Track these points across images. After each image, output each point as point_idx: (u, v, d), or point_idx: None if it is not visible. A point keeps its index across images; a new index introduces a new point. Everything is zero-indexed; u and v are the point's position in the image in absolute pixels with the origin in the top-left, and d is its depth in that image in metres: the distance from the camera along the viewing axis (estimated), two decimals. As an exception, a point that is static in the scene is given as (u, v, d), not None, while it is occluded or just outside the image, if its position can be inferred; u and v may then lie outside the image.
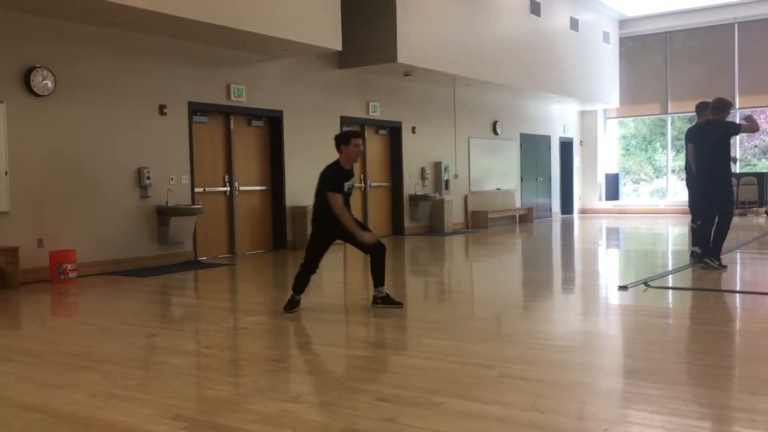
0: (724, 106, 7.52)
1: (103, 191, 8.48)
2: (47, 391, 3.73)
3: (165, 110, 9.13)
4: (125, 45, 8.66)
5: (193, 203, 9.44)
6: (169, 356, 4.49)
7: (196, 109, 9.63)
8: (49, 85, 7.90)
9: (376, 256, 5.86)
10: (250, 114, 10.48)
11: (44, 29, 7.88)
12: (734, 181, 16.80)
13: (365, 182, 12.61)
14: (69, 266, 7.73)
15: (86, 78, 8.29)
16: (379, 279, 5.91)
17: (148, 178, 8.87)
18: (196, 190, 9.67)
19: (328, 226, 5.72)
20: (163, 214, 8.97)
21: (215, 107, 9.89)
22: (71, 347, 4.75)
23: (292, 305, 5.86)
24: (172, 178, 9.22)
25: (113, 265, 8.53)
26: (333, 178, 5.68)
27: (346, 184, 5.72)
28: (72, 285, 7.58)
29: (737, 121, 7.78)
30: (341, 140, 5.76)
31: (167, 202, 9.05)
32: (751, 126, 7.60)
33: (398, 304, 5.87)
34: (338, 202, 5.59)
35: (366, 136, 12.60)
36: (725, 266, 7.58)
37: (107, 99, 8.51)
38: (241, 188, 10.43)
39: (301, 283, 5.87)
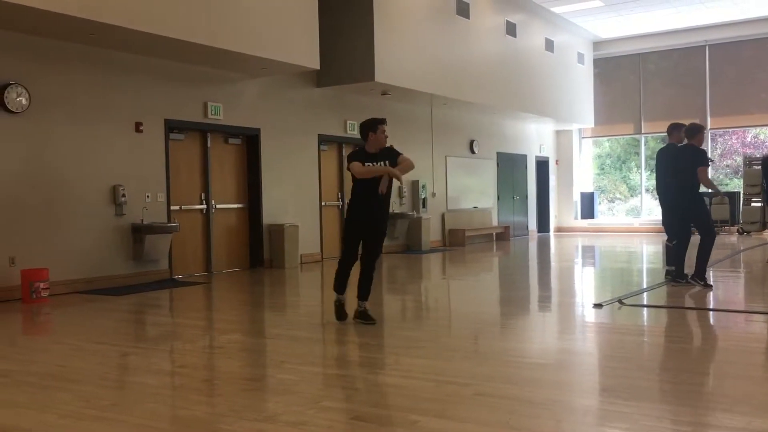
0: (694, 131, 7.69)
1: (77, 209, 8.39)
2: (17, 411, 3.66)
3: (141, 127, 9.08)
4: (101, 62, 8.62)
5: (169, 221, 9.37)
6: (142, 376, 4.44)
7: (172, 127, 9.59)
8: (24, 101, 7.83)
9: (366, 267, 5.90)
10: (227, 132, 10.46)
11: (19, 45, 7.82)
12: (706, 200, 17.08)
13: (342, 200, 12.61)
14: (41, 285, 7.62)
15: (61, 95, 8.23)
16: (364, 292, 5.94)
17: (124, 195, 8.80)
18: (172, 207, 9.61)
19: (359, 213, 5.81)
20: (139, 231, 8.89)
21: (192, 125, 9.86)
22: (42, 367, 4.67)
23: (338, 311, 5.94)
24: (147, 196, 9.16)
25: (87, 283, 8.43)
26: (354, 155, 5.84)
27: (368, 164, 5.77)
28: (44, 304, 7.47)
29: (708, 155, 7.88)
30: (368, 128, 5.88)
31: (143, 220, 8.98)
32: (707, 184, 7.64)
33: (371, 321, 5.87)
34: (356, 166, 5.73)
35: (343, 154, 12.62)
36: (711, 285, 7.61)
37: (83, 116, 8.44)
38: (218, 206, 10.39)
39: (340, 279, 5.92)
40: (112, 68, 8.73)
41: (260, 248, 10.81)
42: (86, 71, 8.47)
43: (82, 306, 7.41)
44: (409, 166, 5.86)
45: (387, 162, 5.79)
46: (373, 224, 5.87)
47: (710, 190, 7.91)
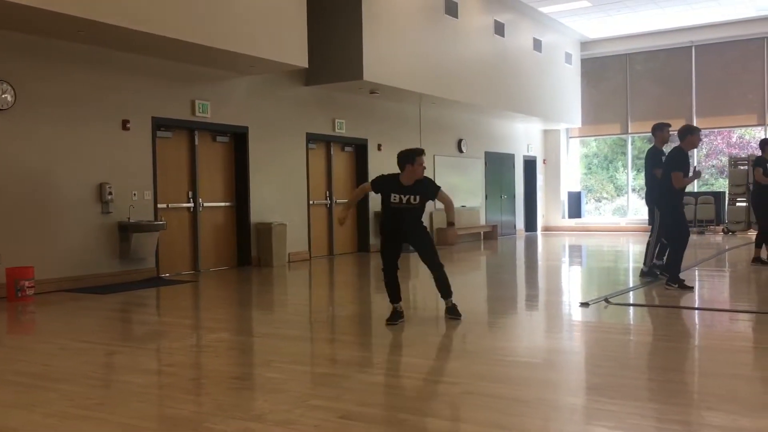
0: (683, 133, 7.58)
1: (63, 207, 8.33)
2: (2, 411, 3.63)
3: (128, 125, 9.03)
4: (88, 59, 8.56)
5: (156, 219, 9.33)
6: (129, 375, 4.42)
7: (159, 125, 9.54)
8: (9, 98, 7.76)
9: (431, 269, 5.98)
10: (214, 130, 10.42)
11: (4, 42, 7.74)
12: (692, 199, 17.21)
13: (330, 199, 12.60)
14: (27, 283, 7.56)
15: (47, 92, 8.16)
16: (443, 291, 6.02)
17: (110, 193, 8.75)
18: (160, 205, 9.56)
19: (389, 227, 5.83)
20: (125, 230, 8.84)
21: (179, 123, 9.81)
22: (28, 366, 4.64)
23: (393, 317, 5.89)
24: (134, 194, 9.11)
25: (73, 281, 8.37)
26: (380, 180, 5.86)
27: (395, 195, 5.71)
28: (30, 302, 7.41)
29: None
30: (406, 160, 5.71)
31: (129, 218, 8.93)
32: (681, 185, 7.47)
33: (457, 316, 5.97)
34: (358, 189, 6.01)
35: (332, 152, 12.62)
36: (690, 287, 7.50)
37: (69, 113, 8.38)
38: (206, 204, 10.35)
39: (390, 288, 5.90)
40: (99, 65, 8.68)
41: (248, 247, 10.78)
42: (73, 68, 8.41)
43: (67, 304, 7.35)
44: (451, 206, 5.88)
45: (418, 197, 5.73)
46: (404, 230, 5.84)
47: (693, 179, 7.54)
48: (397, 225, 5.79)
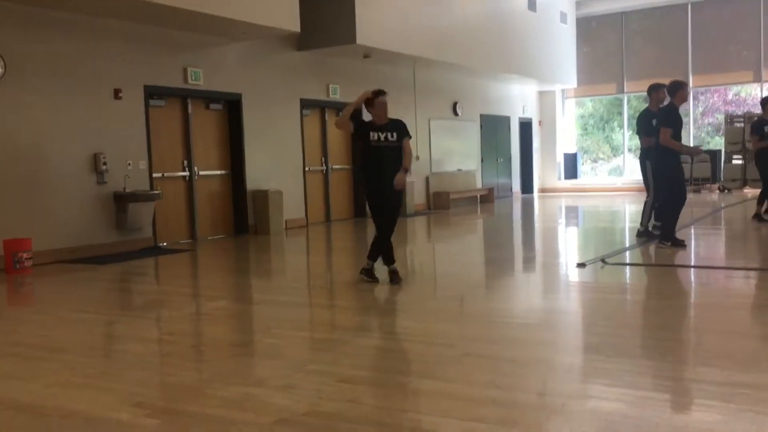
0: (674, 88, 7.52)
1: (57, 178, 8.28)
2: (2, 382, 3.65)
3: (120, 94, 8.94)
4: (78, 28, 8.43)
5: (152, 189, 9.30)
6: (129, 344, 4.44)
7: (152, 93, 9.45)
8: (-1, 69, 7.67)
9: (388, 238, 6.07)
10: (208, 97, 10.32)
11: (-9, 11, 7.63)
12: (688, 158, 17.18)
13: (326, 165, 12.56)
14: (25, 255, 7.56)
15: (38, 62, 8.06)
16: (387, 258, 6.13)
17: (105, 163, 8.70)
18: (155, 175, 9.52)
19: (372, 187, 6.00)
20: (121, 200, 8.82)
21: (172, 91, 9.71)
22: (27, 337, 4.66)
23: (369, 274, 6.11)
24: (129, 164, 9.06)
25: (70, 252, 8.37)
26: (358, 121, 6.05)
27: (374, 133, 5.92)
28: (28, 274, 7.42)
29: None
30: (367, 104, 6.03)
31: (125, 188, 8.90)
32: (672, 145, 7.39)
33: (375, 280, 6.11)
34: (342, 118, 6.00)
35: (326, 118, 12.54)
36: (683, 245, 7.53)
37: (60, 83, 8.29)
38: (201, 173, 10.30)
39: (376, 248, 6.10)
40: (89, 34, 8.55)
41: (244, 214, 10.77)
42: (63, 38, 8.29)
43: (65, 276, 7.37)
44: (410, 155, 6.06)
45: (395, 134, 5.97)
46: (387, 193, 5.98)
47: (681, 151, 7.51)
48: (380, 166, 5.90)
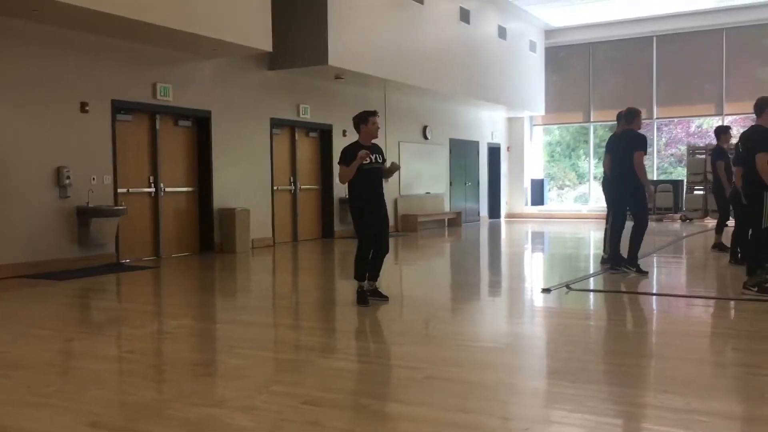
0: (631, 116, 7.77)
1: (19, 190, 8.12)
2: (-45, 399, 3.54)
3: (87, 108, 8.83)
4: (45, 40, 8.33)
5: (116, 204, 9.17)
6: (88, 361, 4.35)
7: (120, 108, 9.36)
8: (-38, 78, 7.52)
9: (380, 255, 6.18)
10: (177, 114, 10.26)
11: (-43, 20, 7.50)
12: (651, 188, 17.50)
13: (295, 185, 12.54)
14: (-19, 269, 7.37)
15: (2, 73, 7.93)
16: (375, 273, 6.23)
17: (68, 177, 8.56)
18: (120, 190, 9.40)
19: (368, 210, 6.08)
20: (84, 214, 8.67)
21: (140, 106, 9.63)
22: (-18, 353, 4.53)
23: (361, 298, 6.07)
24: (93, 178, 8.93)
25: (31, 267, 8.19)
26: (344, 154, 6.05)
27: (367, 158, 5.96)
28: (-16, 288, 7.23)
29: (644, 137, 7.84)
30: (360, 121, 6.11)
31: (88, 203, 8.76)
32: (640, 171, 7.52)
33: (384, 298, 6.20)
34: (341, 170, 6.01)
35: (296, 138, 12.53)
36: (646, 272, 7.76)
37: (24, 94, 8.16)
38: (167, 189, 10.20)
39: (361, 268, 6.10)
40: (56, 46, 8.46)
41: (210, 232, 10.68)
42: (29, 49, 8.18)
43: (25, 291, 7.20)
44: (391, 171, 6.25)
45: (379, 156, 6.11)
46: (377, 210, 6.12)
47: (641, 179, 7.57)
48: (373, 186, 6.06)
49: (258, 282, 8.41)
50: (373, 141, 6.14)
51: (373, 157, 6.01)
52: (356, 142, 6.10)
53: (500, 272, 9.03)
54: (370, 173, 6.02)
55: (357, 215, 6.12)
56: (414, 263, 10.15)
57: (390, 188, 14.69)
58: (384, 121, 14.39)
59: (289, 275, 9.06)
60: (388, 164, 6.24)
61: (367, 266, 6.12)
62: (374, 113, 6.13)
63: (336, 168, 6.57)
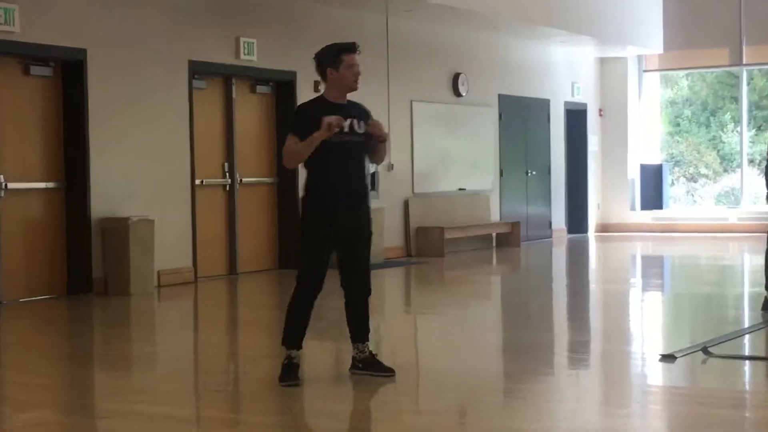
0: None
1: None
2: None
3: None
4: None
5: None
6: None
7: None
8: None
9: (356, 301, 6.12)
10: (29, 55, 10.27)
11: None
12: None
13: (232, 176, 12.53)
14: None
15: None
16: (359, 332, 6.14)
17: None
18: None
19: (324, 203, 6.05)
20: None
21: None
22: None
23: (288, 373, 6.01)
24: None
25: None
26: (298, 116, 6.20)
27: (330, 124, 5.85)
28: None
29: None
30: (326, 60, 6.05)
31: None
32: None
33: (388, 372, 6.10)
34: (288, 146, 6.07)
35: (234, 95, 12.54)
36: None
37: None
38: (10, 185, 10.19)
39: (296, 323, 6.07)
40: None
41: (85, 260, 10.65)
42: None
43: None
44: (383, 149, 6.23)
45: (362, 122, 6.07)
46: (350, 218, 6.05)
47: None
48: (345, 172, 6.03)
49: (168, 345, 8.39)
50: (350, 97, 6.14)
51: (347, 125, 5.97)
52: (320, 98, 6.19)
53: (588, 326, 9.00)
54: (342, 150, 5.98)
55: (309, 223, 6.11)
56: (438, 311, 10.12)
57: (396, 181, 14.70)
58: (386, 66, 14.41)
59: (221, 334, 9.04)
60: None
61: (306, 320, 6.08)
62: (352, 47, 6.08)
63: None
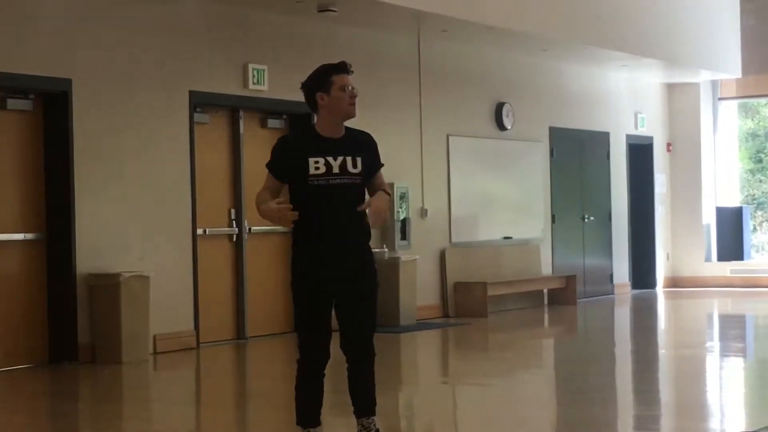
0: None
1: None
2: None
3: None
4: None
5: None
6: None
7: None
8: None
9: (356, 364, 6.03)
10: (4, 88, 10.32)
11: None
12: None
13: (240, 225, 12.55)
14: None
15: None
16: (363, 403, 6.05)
17: None
18: None
19: (316, 253, 5.98)
20: None
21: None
22: None
23: None
24: None
25: None
26: (279, 149, 6.01)
27: (316, 160, 5.82)
28: None
29: None
30: (314, 85, 5.96)
31: None
32: None
33: None
34: (259, 194, 5.91)
35: (241, 130, 12.57)
36: None
37: None
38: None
39: (306, 399, 6.06)
40: None
41: (70, 322, 10.66)
42: None
43: None
44: (384, 203, 5.99)
45: (359, 160, 5.90)
46: (342, 259, 5.97)
47: None
48: (334, 217, 5.91)
49: (165, 424, 8.37)
50: (347, 125, 6.02)
51: (334, 163, 5.87)
52: (310, 128, 6.16)
53: (657, 399, 8.94)
54: (331, 195, 5.88)
55: (298, 278, 6.10)
56: (481, 382, 10.07)
57: (431, 228, 14.67)
58: (418, 94, 14.44)
59: (226, 409, 9.01)
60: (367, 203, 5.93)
61: (318, 394, 6.05)
62: (343, 66, 5.98)
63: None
